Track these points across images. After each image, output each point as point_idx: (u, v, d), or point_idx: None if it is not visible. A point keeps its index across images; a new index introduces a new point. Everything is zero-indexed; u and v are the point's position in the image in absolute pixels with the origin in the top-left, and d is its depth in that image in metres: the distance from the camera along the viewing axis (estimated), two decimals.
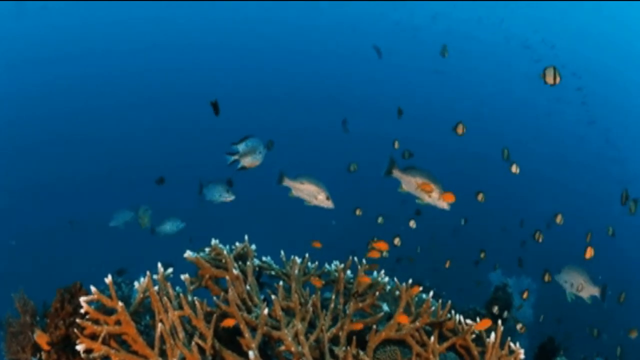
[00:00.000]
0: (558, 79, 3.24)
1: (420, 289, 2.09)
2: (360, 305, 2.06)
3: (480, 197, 4.49)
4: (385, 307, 2.22)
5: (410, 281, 2.05)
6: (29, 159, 15.70)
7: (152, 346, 1.73)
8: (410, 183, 2.77)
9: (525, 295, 4.93)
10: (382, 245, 2.50)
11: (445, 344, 1.96)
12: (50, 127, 16.80)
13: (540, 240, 4.42)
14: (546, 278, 4.06)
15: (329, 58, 21.11)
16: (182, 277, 2.03)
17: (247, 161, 3.08)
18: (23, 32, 20.46)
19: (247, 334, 1.78)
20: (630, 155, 18.58)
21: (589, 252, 3.71)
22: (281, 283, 2.02)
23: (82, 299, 1.76)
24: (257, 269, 2.20)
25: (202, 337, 1.75)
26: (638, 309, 7.94)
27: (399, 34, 20.48)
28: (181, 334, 1.75)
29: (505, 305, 4.75)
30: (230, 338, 1.88)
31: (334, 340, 1.95)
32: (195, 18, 21.51)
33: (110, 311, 1.77)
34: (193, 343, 1.68)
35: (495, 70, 20.98)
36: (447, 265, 4.99)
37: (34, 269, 9.73)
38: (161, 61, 20.02)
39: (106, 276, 1.79)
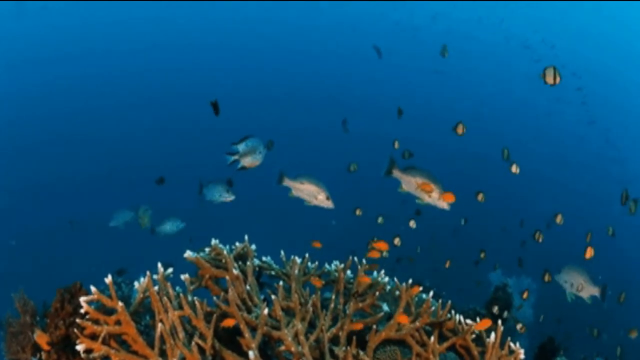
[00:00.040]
0: (558, 79, 3.24)
1: (420, 289, 2.09)
2: (360, 305, 2.06)
3: (480, 197, 4.49)
4: (385, 307, 2.22)
5: (410, 281, 2.05)
6: (29, 159, 15.70)
7: (152, 346, 1.73)
8: (410, 183, 2.77)
9: (525, 295, 4.93)
10: (382, 245, 2.50)
11: (445, 344, 1.96)
12: (50, 127, 16.81)
13: (540, 240, 4.42)
14: (546, 278, 4.06)
15: (329, 58, 21.11)
16: (182, 277, 2.03)
17: (247, 161, 3.08)
18: (23, 32, 20.46)
19: (247, 334, 1.78)
20: (630, 155, 18.59)
21: (589, 252, 3.71)
22: (281, 283, 2.02)
23: (82, 299, 1.76)
24: (257, 269, 2.20)
25: (202, 337, 1.75)
26: (638, 309, 7.94)
27: (399, 34, 20.49)
28: (181, 334, 1.75)
29: (505, 305, 4.75)
30: (230, 338, 1.88)
31: (334, 340, 1.95)
32: (195, 18, 21.52)
33: (110, 311, 1.77)
34: (193, 343, 1.68)
35: (495, 70, 20.99)
36: (447, 265, 4.99)
37: (34, 269, 9.72)
38: (161, 61, 20.02)
39: (106, 276, 1.79)
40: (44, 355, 2.00)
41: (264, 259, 2.24)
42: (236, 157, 3.06)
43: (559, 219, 4.37)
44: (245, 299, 1.96)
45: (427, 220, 5.45)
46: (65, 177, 14.77)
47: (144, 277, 1.85)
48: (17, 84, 18.86)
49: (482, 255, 5.05)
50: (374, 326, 1.97)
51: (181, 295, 1.81)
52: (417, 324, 1.98)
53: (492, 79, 20.55)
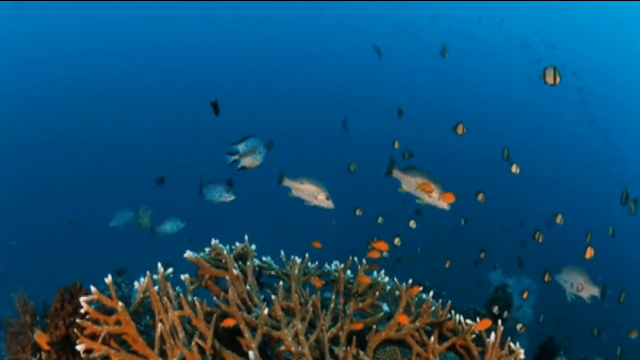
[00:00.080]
0: (558, 79, 3.24)
1: (420, 289, 2.09)
2: (360, 305, 2.06)
3: (480, 197, 4.49)
4: (385, 307, 2.22)
5: (410, 281, 2.05)
6: (29, 159, 15.70)
7: (152, 346, 1.73)
8: (410, 183, 2.77)
9: (525, 295, 4.93)
10: (382, 245, 2.50)
11: (445, 344, 1.96)
12: (50, 127, 16.81)
13: (540, 240, 4.42)
14: (546, 278, 4.06)
15: (329, 58, 21.11)
16: (182, 277, 2.03)
17: (247, 161, 3.07)
18: (23, 32, 20.46)
19: (247, 334, 1.78)
20: (630, 155, 18.59)
21: (589, 252, 3.71)
22: (281, 283, 2.02)
23: (82, 299, 1.76)
24: (257, 269, 2.20)
25: (202, 337, 1.75)
26: (638, 309, 7.94)
27: (399, 34, 20.49)
28: (181, 334, 1.75)
29: (505, 305, 4.75)
30: (230, 338, 1.88)
31: (334, 340, 1.95)
32: (195, 18, 21.52)
33: (110, 311, 1.77)
34: (193, 343, 1.68)
35: (495, 70, 20.99)
36: (447, 265, 4.99)
37: (34, 269, 9.73)
38: (161, 61, 20.02)
39: (106, 276, 1.79)
40: (44, 355, 2.00)
41: (264, 259, 2.24)
42: (236, 157, 3.06)
43: (559, 219, 4.37)
44: (245, 299, 1.96)
45: (427, 220, 5.45)
46: (65, 177, 14.77)
47: (144, 277, 1.85)
48: (17, 84, 18.86)
49: (482, 255, 5.05)
50: (374, 326, 1.97)
51: (181, 295, 1.81)
52: (417, 324, 1.98)
53: (492, 79, 20.55)
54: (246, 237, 2.23)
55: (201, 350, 1.73)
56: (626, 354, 5.21)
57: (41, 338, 2.01)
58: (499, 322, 1.96)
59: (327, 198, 2.86)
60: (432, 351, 1.94)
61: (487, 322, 1.96)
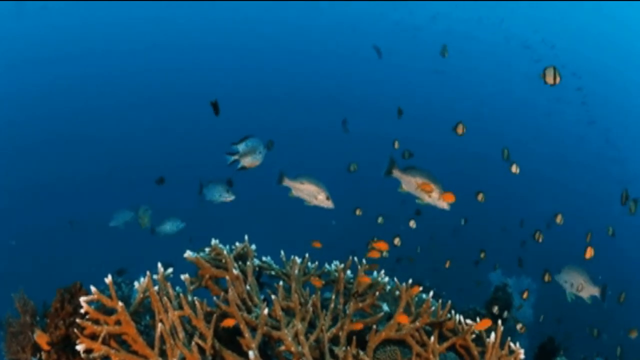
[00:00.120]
0: (558, 79, 3.24)
1: (420, 289, 2.09)
2: (360, 305, 2.06)
3: (480, 197, 4.49)
4: (385, 307, 2.22)
5: (410, 281, 2.05)
6: (29, 159, 15.70)
7: (152, 346, 1.73)
8: (410, 183, 2.77)
9: (525, 295, 4.93)
10: (382, 245, 2.50)
11: (445, 344, 1.96)
12: (50, 127, 16.81)
13: (540, 240, 4.42)
14: (546, 278, 4.06)
15: (329, 58, 21.12)
16: (182, 277, 2.03)
17: (247, 161, 3.07)
18: (23, 32, 20.47)
19: (247, 334, 1.78)
20: (630, 155, 18.59)
21: (589, 252, 3.71)
22: (281, 283, 2.02)
23: (82, 299, 1.76)
24: (257, 269, 2.19)
25: (202, 337, 1.75)
26: (638, 309, 7.94)
27: (399, 34, 20.50)
28: (181, 334, 1.75)
29: (505, 305, 4.75)
30: (230, 338, 1.88)
31: (334, 340, 1.95)
32: (195, 18, 21.52)
33: (110, 311, 1.77)
34: (193, 343, 1.68)
35: (495, 70, 20.99)
36: (447, 265, 4.99)
37: (34, 269, 9.73)
38: (161, 61, 20.03)
39: (106, 276, 1.79)
40: (44, 355, 2.00)
41: (264, 259, 2.24)
42: (236, 157, 3.06)
43: (559, 219, 4.37)
44: (245, 299, 1.96)
45: (427, 220, 5.45)
46: (65, 177, 14.78)
47: (144, 277, 1.85)
48: (17, 84, 18.86)
49: (482, 255, 5.05)
50: (374, 326, 1.97)
51: (181, 295, 1.81)
52: (417, 324, 1.98)
53: (492, 79, 20.56)
54: (246, 237, 2.23)
55: (201, 350, 1.73)
56: (626, 354, 5.21)
57: (41, 338, 2.01)
58: (499, 322, 1.96)
59: (327, 198, 2.86)
60: (432, 351, 1.94)
61: (487, 322, 1.96)
